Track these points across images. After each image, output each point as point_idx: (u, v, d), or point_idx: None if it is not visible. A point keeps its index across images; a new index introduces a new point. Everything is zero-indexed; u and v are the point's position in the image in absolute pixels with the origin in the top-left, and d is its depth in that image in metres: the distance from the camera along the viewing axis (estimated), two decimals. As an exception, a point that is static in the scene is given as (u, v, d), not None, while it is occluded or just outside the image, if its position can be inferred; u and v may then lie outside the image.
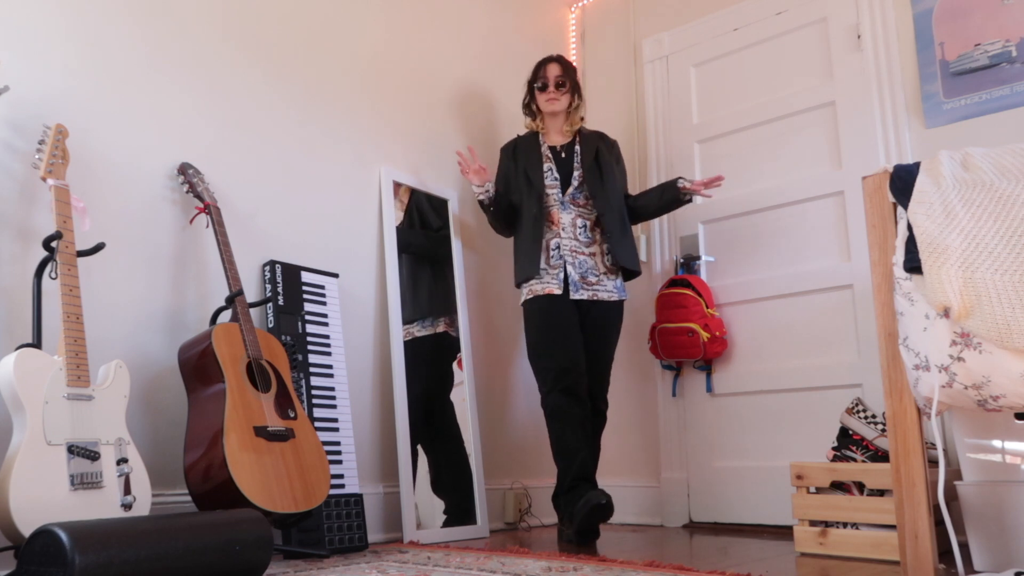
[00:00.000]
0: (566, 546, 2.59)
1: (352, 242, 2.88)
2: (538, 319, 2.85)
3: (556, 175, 2.96)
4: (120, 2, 2.36)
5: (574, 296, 2.86)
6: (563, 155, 3.00)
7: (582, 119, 3.08)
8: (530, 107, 3.11)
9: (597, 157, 2.98)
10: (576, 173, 2.96)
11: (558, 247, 2.89)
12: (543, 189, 2.94)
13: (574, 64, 3.16)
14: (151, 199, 2.35)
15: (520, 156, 3.02)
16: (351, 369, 2.77)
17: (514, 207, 2.99)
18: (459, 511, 2.89)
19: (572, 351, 2.79)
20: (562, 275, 2.86)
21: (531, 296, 2.88)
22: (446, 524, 2.82)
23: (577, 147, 3.01)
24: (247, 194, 2.59)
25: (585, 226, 2.93)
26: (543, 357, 2.82)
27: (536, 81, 3.06)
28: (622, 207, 3.00)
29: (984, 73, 2.72)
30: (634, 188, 3.60)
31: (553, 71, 3.03)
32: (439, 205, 3.19)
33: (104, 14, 2.31)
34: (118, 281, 2.24)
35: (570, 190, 2.94)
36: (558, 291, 2.84)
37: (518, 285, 2.95)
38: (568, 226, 2.91)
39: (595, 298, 2.88)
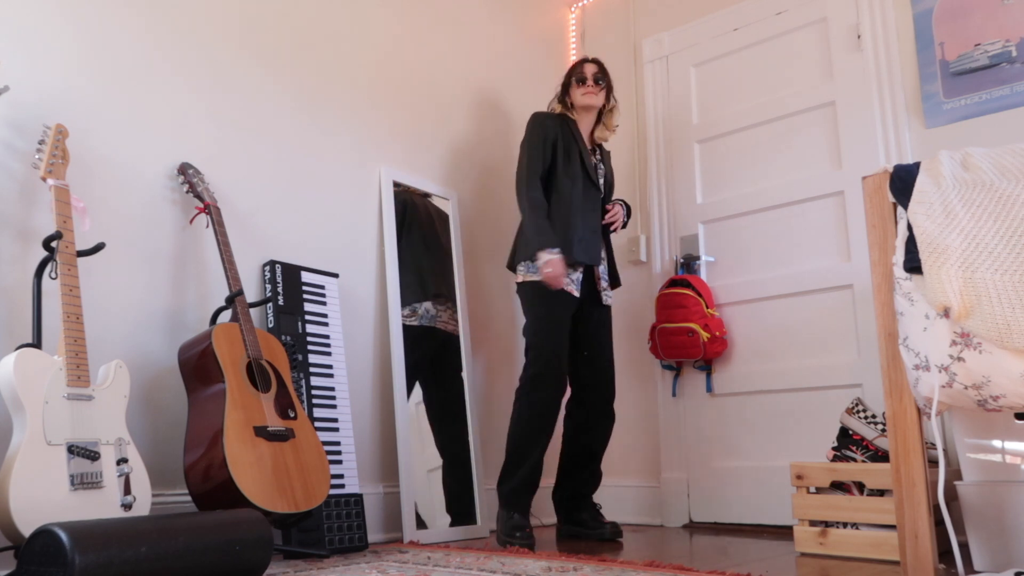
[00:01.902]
0: (566, 546, 2.59)
1: (352, 242, 2.88)
2: (544, 307, 2.72)
3: (602, 172, 3.00)
4: (120, 2, 2.36)
5: (605, 301, 2.90)
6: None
7: (615, 128, 3.02)
8: (563, 99, 3.00)
9: (607, 173, 3.05)
10: (601, 183, 2.98)
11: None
12: (595, 180, 2.91)
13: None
14: (151, 199, 2.35)
15: (566, 132, 2.91)
16: (351, 369, 2.77)
17: (545, 179, 2.87)
18: (461, 508, 2.89)
19: (565, 352, 2.75)
20: (579, 276, 2.80)
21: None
22: (452, 522, 2.83)
23: (598, 156, 3.02)
24: (247, 194, 2.59)
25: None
26: (543, 344, 2.70)
27: (574, 75, 2.98)
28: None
29: (984, 73, 2.72)
30: (634, 189, 3.61)
31: (591, 68, 2.98)
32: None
33: (105, 14, 2.31)
34: (118, 281, 2.24)
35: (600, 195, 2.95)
36: (576, 293, 2.78)
37: (537, 251, 2.68)
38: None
39: (600, 302, 2.92)
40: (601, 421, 2.89)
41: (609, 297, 2.94)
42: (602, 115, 3.00)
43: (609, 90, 3.01)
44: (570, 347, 2.87)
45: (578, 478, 2.90)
